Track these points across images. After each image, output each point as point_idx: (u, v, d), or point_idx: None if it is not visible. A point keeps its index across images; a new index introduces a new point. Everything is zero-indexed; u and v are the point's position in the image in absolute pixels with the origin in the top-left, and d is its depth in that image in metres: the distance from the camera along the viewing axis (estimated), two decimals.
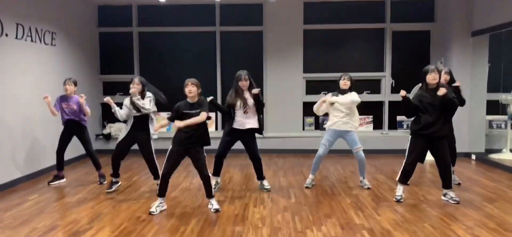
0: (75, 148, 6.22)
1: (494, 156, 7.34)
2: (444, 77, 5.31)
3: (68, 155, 6.78)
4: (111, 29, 8.42)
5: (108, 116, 8.11)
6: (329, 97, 5.41)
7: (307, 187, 5.47)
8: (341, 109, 5.34)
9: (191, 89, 4.35)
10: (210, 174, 4.49)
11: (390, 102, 8.21)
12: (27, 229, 3.96)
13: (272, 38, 8.15)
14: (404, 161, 4.83)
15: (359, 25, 8.15)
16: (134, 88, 5.04)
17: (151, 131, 5.17)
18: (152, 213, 4.39)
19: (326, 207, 4.63)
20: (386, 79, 8.19)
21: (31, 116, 6.09)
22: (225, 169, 6.42)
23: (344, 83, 5.37)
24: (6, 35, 5.52)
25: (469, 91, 7.50)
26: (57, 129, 5.76)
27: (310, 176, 5.57)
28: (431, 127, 4.59)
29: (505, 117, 7.65)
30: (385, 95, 8.21)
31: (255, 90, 5.12)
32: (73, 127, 5.69)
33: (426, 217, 4.28)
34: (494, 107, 7.77)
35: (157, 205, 4.48)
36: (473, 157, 7.44)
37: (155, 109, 5.20)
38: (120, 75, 8.41)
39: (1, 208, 4.67)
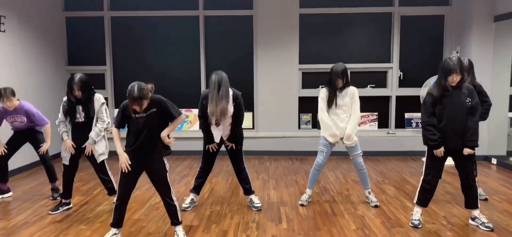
0: (33, 152, 5.22)
1: None
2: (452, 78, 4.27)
3: (26, 160, 5.84)
4: (80, 14, 7.35)
5: None
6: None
7: (302, 205, 4.50)
8: (340, 109, 4.33)
9: (143, 103, 3.25)
10: (175, 203, 3.50)
11: (397, 98, 7.21)
12: None
13: (264, 24, 7.10)
14: (422, 177, 3.85)
15: (363, 9, 7.11)
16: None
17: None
18: None
19: (325, 235, 3.65)
20: (394, 71, 7.18)
21: None
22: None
23: (339, 81, 4.31)
24: None
25: (490, 85, 6.53)
26: (5, 132, 4.74)
27: (307, 191, 4.58)
28: (448, 135, 3.62)
29: None
30: (392, 90, 7.20)
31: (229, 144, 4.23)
32: (25, 133, 4.70)
33: None
34: None
35: (111, 236, 3.50)
36: (494, 161, 6.48)
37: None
38: (90, 66, 7.37)
39: None
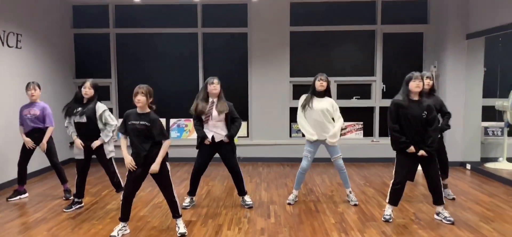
0: (43, 158, 5.74)
1: (490, 166, 6.96)
2: (427, 82, 4.90)
3: (35, 166, 6.34)
4: (87, 31, 7.94)
5: None
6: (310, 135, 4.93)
7: (289, 204, 5.04)
8: (319, 115, 4.87)
9: (139, 99, 3.83)
10: (176, 199, 4.04)
11: (381, 108, 7.79)
12: None
13: (257, 40, 7.71)
14: (392, 180, 4.40)
15: (349, 27, 7.72)
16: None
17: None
18: None
19: (308, 229, 4.20)
20: (377, 83, 7.78)
21: None
22: (204, 180, 6.01)
23: (321, 84, 4.88)
24: None
25: (464, 97, 7.14)
26: (21, 139, 5.28)
27: (294, 192, 5.13)
28: (417, 142, 4.17)
29: (501, 124, 7.26)
30: (376, 101, 7.79)
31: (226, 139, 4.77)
32: (36, 137, 5.23)
33: None
34: (490, 114, 7.40)
35: (119, 229, 4.03)
36: (468, 166, 7.04)
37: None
38: (96, 79, 7.88)
39: None
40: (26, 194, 5.43)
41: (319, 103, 4.87)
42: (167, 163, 4.00)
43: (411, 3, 7.67)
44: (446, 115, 4.97)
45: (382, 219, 4.42)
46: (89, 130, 4.65)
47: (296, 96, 7.84)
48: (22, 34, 6.31)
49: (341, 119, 4.97)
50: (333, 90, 7.71)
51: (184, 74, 7.98)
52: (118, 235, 3.97)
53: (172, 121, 8.01)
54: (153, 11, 7.86)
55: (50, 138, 5.30)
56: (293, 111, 7.80)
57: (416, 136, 4.17)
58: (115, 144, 4.85)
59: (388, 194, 4.44)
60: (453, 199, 5.20)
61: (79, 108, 4.64)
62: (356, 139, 7.86)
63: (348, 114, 7.82)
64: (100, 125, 4.70)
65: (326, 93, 4.94)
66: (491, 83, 7.29)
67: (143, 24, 7.92)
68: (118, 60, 8.01)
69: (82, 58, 8.02)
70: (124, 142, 3.99)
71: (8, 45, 5.99)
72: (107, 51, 7.95)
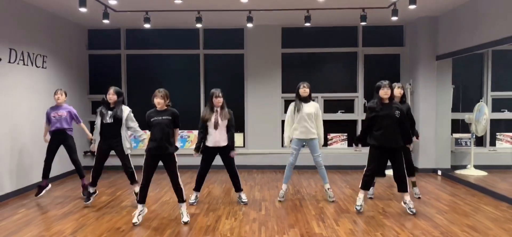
0: (63, 163, 6.61)
1: (459, 172, 7.83)
2: (399, 91, 5.81)
3: (56, 171, 7.19)
4: (100, 52, 8.89)
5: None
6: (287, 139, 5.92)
7: (279, 201, 5.91)
8: (305, 119, 5.77)
9: (159, 101, 4.88)
10: (181, 186, 4.93)
11: (363, 121, 8.67)
12: None
13: (253, 61, 8.67)
14: (364, 170, 5.29)
15: (333, 49, 8.70)
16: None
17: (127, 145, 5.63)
18: (135, 224, 4.80)
19: (292, 218, 5.06)
20: (359, 99, 8.71)
21: (21, 134, 6.50)
22: (205, 184, 6.87)
23: (304, 91, 5.80)
24: (0, 59, 5.97)
25: (435, 111, 8.05)
26: (45, 147, 6.15)
27: (283, 187, 6.00)
28: (387, 139, 5.06)
29: (469, 135, 8.17)
30: (358, 114, 8.71)
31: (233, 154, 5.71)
32: (59, 137, 6.07)
33: (380, 226, 4.72)
34: (464, 126, 8.32)
35: (138, 214, 4.88)
36: (439, 173, 7.92)
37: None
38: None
39: None
40: (49, 186, 6.21)
41: (307, 108, 5.78)
42: (176, 157, 4.91)
43: (389, 28, 8.64)
44: (410, 121, 5.85)
45: (354, 209, 5.29)
46: (114, 130, 5.49)
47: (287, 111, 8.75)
48: (47, 56, 7.24)
49: (322, 124, 5.89)
50: (321, 105, 8.65)
51: (187, 91, 8.89)
52: (138, 220, 4.84)
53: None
54: (160, 35, 8.82)
55: (72, 137, 6.15)
56: (284, 124, 8.70)
57: (389, 132, 5.05)
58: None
59: (361, 181, 5.32)
60: (419, 198, 6.06)
61: (109, 112, 5.48)
62: (341, 149, 8.75)
63: (333, 126, 8.77)
64: (126, 126, 5.53)
65: (309, 97, 5.84)
66: (455, 99, 8.24)
67: (151, 46, 8.87)
68: (128, 78, 8.94)
69: (95, 76, 8.95)
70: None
71: (36, 65, 6.92)
72: (119, 70, 8.88)
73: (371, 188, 6.17)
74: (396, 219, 4.99)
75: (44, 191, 6.15)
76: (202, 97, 8.80)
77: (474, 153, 8.02)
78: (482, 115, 7.78)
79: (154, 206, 5.67)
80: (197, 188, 5.84)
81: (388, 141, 5.08)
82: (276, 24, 8.57)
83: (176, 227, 4.76)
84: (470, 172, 7.81)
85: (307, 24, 7.29)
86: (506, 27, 5.85)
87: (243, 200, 5.82)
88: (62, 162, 6.96)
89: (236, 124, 8.73)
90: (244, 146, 8.82)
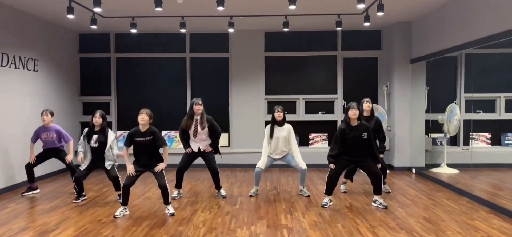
0: (55, 161, 6.95)
1: (433, 170, 8.20)
2: (367, 105, 6.20)
3: (48, 168, 7.57)
4: (91, 55, 9.27)
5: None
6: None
7: (250, 196, 6.29)
8: (279, 143, 6.17)
9: (143, 117, 5.14)
10: (167, 185, 5.28)
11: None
12: (3, 230, 4.73)
13: (237, 64, 9.05)
14: (327, 175, 5.67)
15: (314, 52, 9.08)
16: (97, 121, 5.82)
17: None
18: (116, 216, 5.18)
19: (263, 211, 5.44)
20: (339, 100, 9.09)
21: (12, 134, 6.87)
22: (189, 181, 7.27)
23: (279, 115, 6.19)
24: None
25: (410, 112, 8.43)
26: (35, 149, 6.52)
27: (255, 188, 6.41)
28: (354, 158, 5.49)
29: (443, 135, 8.54)
30: (338, 115, 9.09)
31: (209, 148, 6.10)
32: (52, 153, 6.52)
33: (342, 218, 5.10)
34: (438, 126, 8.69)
35: (121, 210, 5.27)
36: (413, 170, 8.29)
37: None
38: (98, 96, 9.24)
39: None
40: (38, 190, 6.63)
41: (280, 132, 6.18)
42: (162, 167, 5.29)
43: (367, 32, 9.02)
44: (383, 139, 6.22)
45: (321, 205, 5.66)
46: (99, 152, 5.83)
47: (270, 111, 9.07)
48: (39, 59, 7.62)
49: (295, 143, 6.27)
50: (301, 106, 9.04)
51: (174, 92, 9.27)
52: (120, 214, 5.22)
53: (163, 132, 9.28)
54: (148, 39, 9.20)
55: (63, 150, 6.57)
56: (267, 124, 9.06)
57: (358, 152, 5.49)
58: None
59: (325, 186, 5.71)
60: (389, 193, 6.44)
61: (94, 136, 5.80)
62: (321, 148, 9.11)
63: (314, 126, 9.17)
64: (108, 147, 5.83)
65: (284, 121, 6.22)
66: (435, 100, 8.62)
67: (140, 50, 9.25)
68: (117, 80, 9.32)
69: (86, 79, 9.33)
70: (126, 152, 5.28)
71: (28, 69, 7.30)
72: (108, 72, 9.26)
73: (343, 185, 6.57)
74: (359, 212, 5.37)
75: (30, 193, 6.49)
76: (188, 98, 9.18)
77: (448, 152, 8.39)
78: (453, 116, 8.16)
79: (136, 201, 6.04)
80: (178, 185, 6.22)
81: (353, 160, 5.58)
82: (259, 29, 8.95)
83: (154, 219, 5.13)
84: (443, 170, 8.18)
85: (286, 29, 7.65)
86: (469, 32, 6.22)
87: (222, 194, 6.21)
88: (54, 161, 7.30)
89: (221, 125, 9.18)
90: (229, 145, 9.19)
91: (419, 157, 8.50)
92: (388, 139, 8.59)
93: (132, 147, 5.26)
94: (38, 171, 6.90)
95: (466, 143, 9.03)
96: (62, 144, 6.55)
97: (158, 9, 5.91)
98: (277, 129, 6.19)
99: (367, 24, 7.20)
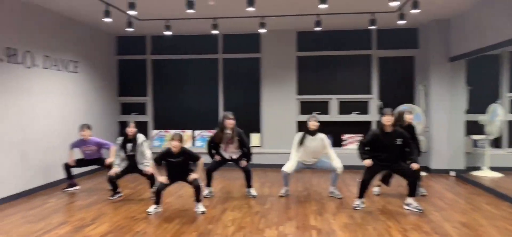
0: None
1: (473, 173, 7.85)
2: (409, 118, 6.11)
3: (81, 169, 7.82)
4: (128, 57, 9.57)
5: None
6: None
7: (280, 196, 6.26)
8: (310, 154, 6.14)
9: (175, 145, 5.29)
10: (200, 184, 5.38)
11: (377, 122, 8.86)
12: (43, 223, 4.97)
13: (269, 64, 9.05)
14: (361, 180, 5.56)
15: (347, 51, 8.93)
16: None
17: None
18: (149, 213, 5.32)
19: (292, 212, 5.41)
20: (374, 100, 8.89)
21: (53, 133, 7.20)
22: (221, 180, 7.38)
23: (313, 124, 6.11)
24: (36, 65, 6.69)
25: (448, 112, 8.11)
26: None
27: (284, 188, 6.38)
28: (387, 163, 5.39)
29: (485, 137, 8.15)
30: (373, 116, 8.89)
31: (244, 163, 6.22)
32: (94, 161, 6.86)
33: (374, 221, 4.98)
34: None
35: (154, 207, 5.41)
36: (452, 173, 7.97)
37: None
38: (135, 97, 9.52)
39: (26, 207, 5.73)
40: (78, 186, 6.91)
41: (312, 142, 6.11)
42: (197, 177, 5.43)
43: (403, 30, 8.76)
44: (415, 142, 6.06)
45: (352, 206, 5.56)
46: (133, 159, 6.11)
47: (302, 111, 9.07)
48: (79, 61, 7.95)
49: (332, 150, 6.19)
50: (334, 106, 8.92)
51: (207, 93, 9.41)
52: (153, 211, 5.36)
53: (197, 132, 9.44)
54: (182, 41, 9.39)
55: (104, 159, 6.84)
56: (300, 124, 9.02)
57: (391, 157, 5.38)
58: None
59: (358, 190, 5.59)
60: (424, 195, 6.22)
61: (128, 144, 6.07)
62: (355, 149, 8.92)
63: (348, 127, 9.02)
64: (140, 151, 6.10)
65: (318, 130, 6.14)
66: (477, 100, 8.27)
67: (174, 52, 9.45)
68: (153, 81, 9.57)
69: (124, 80, 9.64)
70: (155, 167, 5.51)
71: (68, 71, 7.63)
72: (144, 74, 9.52)
73: (377, 187, 6.42)
74: (391, 215, 5.23)
75: (71, 189, 6.79)
76: (220, 98, 9.28)
77: (491, 155, 8.00)
78: (496, 116, 7.77)
79: (169, 199, 6.16)
80: (208, 184, 6.30)
81: (386, 166, 5.49)
82: (291, 29, 8.91)
83: (185, 217, 5.23)
84: (485, 174, 7.81)
85: (318, 29, 7.57)
86: None
87: (252, 194, 6.24)
88: None
89: (253, 125, 9.21)
90: (260, 145, 9.21)
91: (458, 159, 8.16)
92: (424, 140, 8.31)
93: (164, 164, 5.45)
94: (80, 169, 7.21)
95: (511, 145, 8.61)
96: (102, 153, 6.85)
97: (190, 11, 6.00)
98: (308, 139, 6.14)
99: (401, 22, 7.00)
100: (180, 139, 5.33)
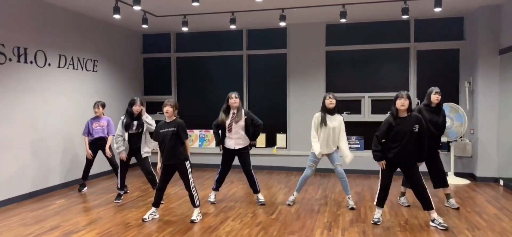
0: (102, 165, 7.13)
1: None
2: (436, 97, 5.30)
3: (97, 169, 7.73)
4: (154, 55, 9.43)
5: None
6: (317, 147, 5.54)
7: (288, 205, 5.71)
8: (328, 136, 5.51)
9: (167, 109, 4.89)
10: (192, 191, 4.99)
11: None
12: (36, 227, 4.83)
13: (295, 60, 8.46)
14: (378, 186, 4.85)
15: (382, 45, 8.09)
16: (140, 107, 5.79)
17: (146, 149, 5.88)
18: (145, 220, 5.02)
19: (298, 225, 4.84)
20: (412, 99, 7.95)
21: (70, 133, 7.16)
22: (237, 183, 6.96)
23: (330, 102, 5.48)
24: (49, 64, 6.66)
25: (497, 112, 7.07)
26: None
27: (294, 194, 5.81)
28: (398, 154, 4.59)
29: None
30: None
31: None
32: (100, 144, 6.63)
33: None
34: None
35: (150, 213, 5.10)
36: (501, 182, 6.92)
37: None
38: (160, 95, 9.36)
39: (30, 209, 5.67)
40: (86, 187, 6.81)
41: (332, 122, 5.48)
42: (187, 163, 4.98)
43: (446, 20, 7.78)
44: (441, 128, 5.26)
45: (371, 221, 4.86)
46: (138, 138, 5.86)
47: None
48: (98, 60, 7.89)
49: (345, 137, 5.53)
50: (367, 105, 8.13)
51: (232, 90, 8.91)
52: (148, 218, 5.05)
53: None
54: (207, 38, 9.07)
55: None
56: None
57: (406, 149, 4.58)
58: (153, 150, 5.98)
59: (376, 197, 4.89)
60: (458, 208, 5.38)
61: (134, 122, 5.82)
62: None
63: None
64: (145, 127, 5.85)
65: (335, 109, 5.51)
66: None
67: (198, 49, 9.15)
68: (178, 79, 9.35)
69: (149, 78, 9.52)
70: (159, 149, 5.06)
71: (86, 69, 7.58)
72: (169, 71, 9.33)
73: (404, 197, 5.68)
74: (413, 233, 4.49)
75: (85, 189, 6.72)
76: (245, 96, 8.84)
77: None
78: None
79: (174, 204, 5.84)
80: (216, 188, 5.90)
81: (400, 160, 4.64)
82: (320, 22, 8.25)
83: (179, 225, 4.85)
84: None
85: (343, 20, 6.87)
86: None
87: (260, 201, 5.75)
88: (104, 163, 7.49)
89: (278, 125, 8.66)
90: (286, 147, 8.65)
91: (509, 166, 7.07)
92: (470, 144, 7.31)
93: (158, 141, 5.05)
94: (95, 169, 7.13)
95: None
96: (106, 134, 6.67)
97: (195, 4, 5.62)
98: (328, 118, 5.49)
99: (437, 9, 6.13)
100: (175, 106, 5.07)
